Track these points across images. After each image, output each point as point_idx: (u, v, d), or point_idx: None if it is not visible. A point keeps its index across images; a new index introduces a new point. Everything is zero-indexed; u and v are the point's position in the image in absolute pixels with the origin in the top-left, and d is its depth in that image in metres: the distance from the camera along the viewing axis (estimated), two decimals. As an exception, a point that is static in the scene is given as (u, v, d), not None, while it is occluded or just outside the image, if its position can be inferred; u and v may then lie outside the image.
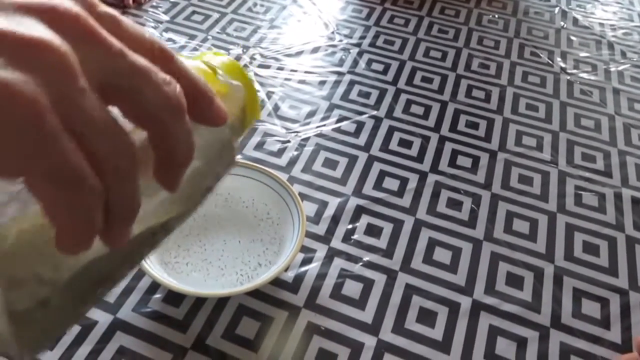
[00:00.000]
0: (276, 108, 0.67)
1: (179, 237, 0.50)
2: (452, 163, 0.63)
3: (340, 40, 0.80)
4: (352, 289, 0.49)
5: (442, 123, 0.68)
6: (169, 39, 0.76)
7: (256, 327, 0.46)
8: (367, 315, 0.48)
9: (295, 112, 0.67)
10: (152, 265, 0.44)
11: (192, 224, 0.51)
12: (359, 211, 0.56)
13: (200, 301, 0.47)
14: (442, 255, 0.53)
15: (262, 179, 0.52)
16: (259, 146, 0.62)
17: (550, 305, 0.50)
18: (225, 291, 0.44)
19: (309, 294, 0.49)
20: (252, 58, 0.75)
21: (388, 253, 0.53)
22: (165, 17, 0.80)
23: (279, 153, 0.62)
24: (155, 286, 0.48)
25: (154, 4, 0.83)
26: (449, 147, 0.65)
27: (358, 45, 0.80)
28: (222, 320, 0.46)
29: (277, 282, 0.49)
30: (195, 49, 0.75)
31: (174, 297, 0.47)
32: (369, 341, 0.46)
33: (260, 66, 0.74)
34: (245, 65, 0.73)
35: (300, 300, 0.48)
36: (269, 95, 0.69)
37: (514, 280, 0.52)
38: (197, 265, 0.48)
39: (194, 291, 0.44)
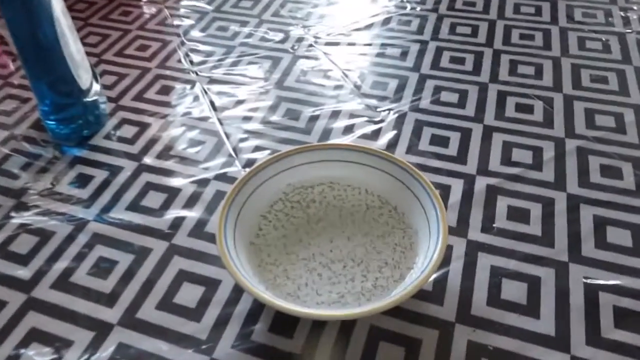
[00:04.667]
0: (357, 86, 0.56)
1: (277, 245, 0.38)
2: (591, 124, 0.50)
3: (413, 8, 0.69)
4: (513, 291, 0.37)
5: (562, 81, 0.56)
6: (220, 27, 0.66)
7: (401, 354, 0.34)
8: (545, 325, 0.35)
9: (382, 88, 0.56)
10: (254, 284, 0.33)
11: (288, 227, 0.40)
12: (492, 192, 0.44)
13: (317, 327, 0.35)
14: (618, 236, 0.40)
15: (373, 163, 0.40)
16: (348, 130, 0.51)
17: None
18: (353, 311, 0.32)
19: (459, 303, 0.36)
20: (316, 37, 0.64)
21: (547, 241, 0.40)
22: (210, 7, 0.71)
23: (374, 135, 0.50)
24: (255, 313, 0.36)
25: (196, -5, 0.73)
26: (579, 106, 0.52)
27: (435, 10, 0.68)
28: (353, 349, 0.34)
29: (413, 291, 0.37)
30: (250, 35, 0.64)
31: (282, 325, 0.35)
32: (560, 360, 0.33)
33: (328, 44, 0.63)
34: (311, 45, 0.63)
35: (450, 312, 0.36)
36: (346, 73, 0.58)
37: None
38: (303, 277, 0.36)
39: (315, 313, 0.32)
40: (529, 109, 0.52)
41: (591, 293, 0.37)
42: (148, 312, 0.37)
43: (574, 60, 0.59)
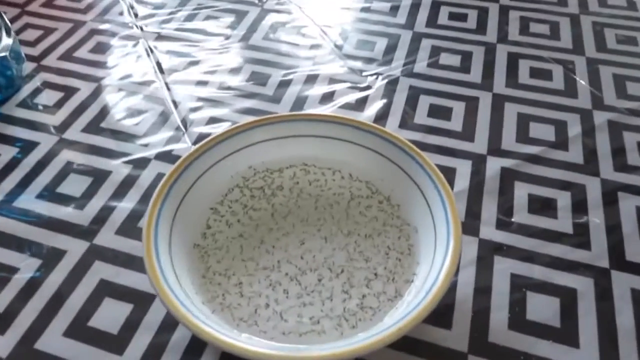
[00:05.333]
0: (339, 46, 0.46)
1: (230, 249, 0.29)
2: (622, 93, 0.41)
3: (404, -42, 0.59)
4: (542, 309, 0.28)
5: (584, 43, 0.47)
6: (173, -25, 0.55)
7: (397, 402, 0.25)
8: (586, 356, 0.26)
9: (368, 48, 0.46)
10: (190, 308, 0.23)
11: (245, 223, 0.30)
12: (508, 177, 0.35)
13: (284, 361, 0.26)
14: (668, 234, 0.32)
15: (359, 139, 0.31)
16: (327, 99, 0.41)
17: None
18: (330, 350, 0.22)
19: (472, 326, 0.27)
20: (290, -11, 0.54)
21: (581, 241, 0.31)
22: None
23: (360, 105, 0.40)
24: (198, 342, 0.27)
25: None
26: (606, 72, 0.43)
27: (430, -40, 0.58)
28: (331, 395, 0.25)
29: (412, 310, 0.27)
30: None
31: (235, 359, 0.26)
32: (610, 408, 0.25)
33: (304, -4, 0.52)
34: (283, -3, 0.52)
35: (460, 339, 0.27)
36: (324, 31, 0.48)
37: None
38: (263, 296, 0.27)
39: (275, 354, 0.22)
40: (547, 75, 0.43)
41: (643, 311, 0.28)
42: (52, 340, 0.27)
43: (594, 18, 0.49)
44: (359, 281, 0.27)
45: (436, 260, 0.25)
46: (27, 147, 0.37)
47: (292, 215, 0.30)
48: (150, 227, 0.26)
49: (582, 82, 0.42)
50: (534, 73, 0.43)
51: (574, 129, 0.38)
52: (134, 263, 0.30)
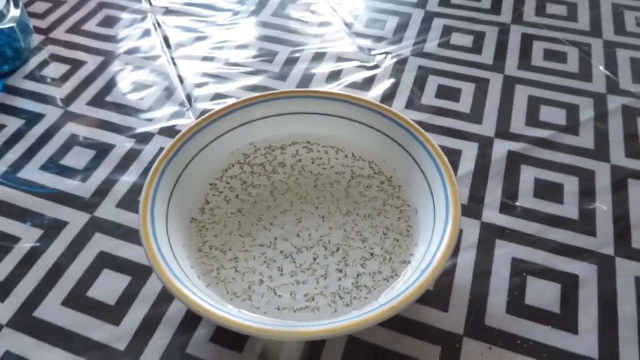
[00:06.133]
0: (348, 24, 0.45)
1: (227, 224, 0.29)
2: (639, 78, 0.40)
3: None
4: (543, 294, 0.28)
5: (601, 25, 0.45)
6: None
7: (388, 382, 0.25)
8: (585, 343, 0.26)
9: (378, 26, 0.45)
10: (184, 280, 0.23)
11: (244, 199, 0.30)
12: (515, 160, 0.34)
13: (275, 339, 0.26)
14: (678, 223, 0.31)
15: (364, 118, 0.30)
16: (334, 77, 0.40)
17: None
18: (320, 327, 0.22)
19: (469, 309, 0.27)
20: (302, -35, 0.53)
21: (586, 227, 0.31)
22: None
23: (367, 84, 0.40)
24: (194, 316, 0.27)
25: None
26: (623, 56, 0.42)
27: (446, -62, 0.57)
28: (323, 372, 0.25)
29: (408, 292, 0.27)
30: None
31: (230, 334, 0.26)
32: (607, 396, 0.24)
33: (316, -27, 0.52)
34: (294, -26, 0.51)
35: (457, 322, 0.27)
36: (334, 8, 0.47)
37: None
38: (257, 272, 0.27)
39: (264, 328, 0.22)
40: (562, 57, 0.42)
41: (647, 300, 0.27)
42: (51, 309, 0.27)
43: None
44: (354, 260, 0.27)
45: (434, 241, 0.25)
46: (33, 119, 0.37)
47: (291, 193, 0.30)
48: (148, 200, 0.26)
49: (599, 65, 0.41)
50: (548, 55, 0.42)
51: (587, 113, 0.37)
52: (134, 236, 0.30)
